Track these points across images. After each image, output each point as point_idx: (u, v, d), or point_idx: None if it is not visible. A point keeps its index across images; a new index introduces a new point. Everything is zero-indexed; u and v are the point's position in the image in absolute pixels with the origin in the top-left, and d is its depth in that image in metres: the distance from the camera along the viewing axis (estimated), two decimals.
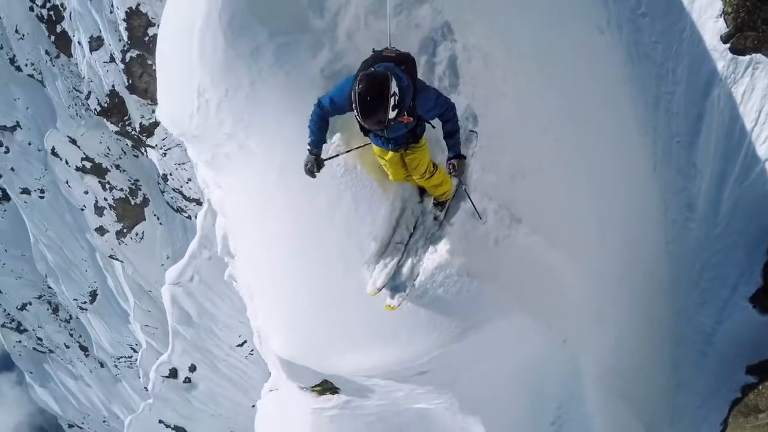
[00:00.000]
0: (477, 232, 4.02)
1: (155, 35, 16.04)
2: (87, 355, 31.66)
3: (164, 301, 15.13)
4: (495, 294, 4.07)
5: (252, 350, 15.34)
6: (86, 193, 23.35)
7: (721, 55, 5.49)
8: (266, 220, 4.15)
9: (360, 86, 2.77)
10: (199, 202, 20.50)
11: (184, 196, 21.77)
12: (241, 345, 15.57)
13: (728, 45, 5.37)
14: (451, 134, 3.27)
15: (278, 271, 4.26)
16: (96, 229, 23.69)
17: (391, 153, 3.49)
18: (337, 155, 3.59)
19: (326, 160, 3.34)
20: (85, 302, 28.02)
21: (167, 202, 23.59)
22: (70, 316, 31.12)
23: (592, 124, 5.64)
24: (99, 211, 23.41)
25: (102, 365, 30.72)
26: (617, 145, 6.09)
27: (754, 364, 6.27)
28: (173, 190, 22.07)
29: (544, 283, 4.47)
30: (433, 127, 3.38)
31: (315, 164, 3.26)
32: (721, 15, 5.28)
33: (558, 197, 4.59)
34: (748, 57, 5.38)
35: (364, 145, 3.63)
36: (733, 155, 5.91)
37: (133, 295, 23.82)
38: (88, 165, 22.80)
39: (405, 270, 3.84)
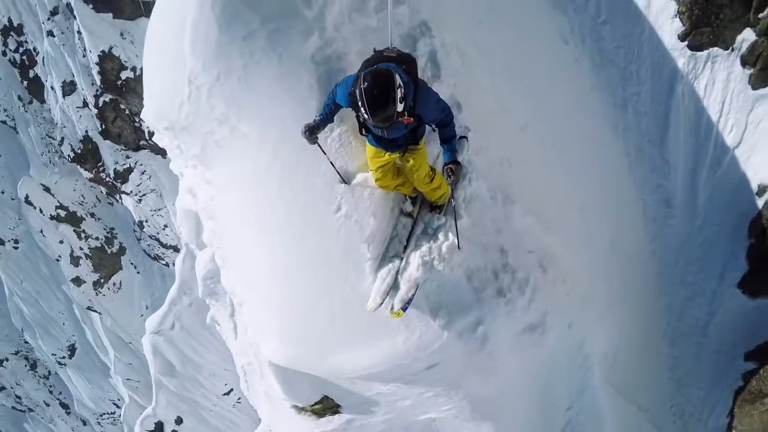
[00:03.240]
0: (482, 218, 4.01)
1: (128, 79, 16.09)
2: (68, 413, 29.97)
3: (146, 352, 14.59)
4: None
5: (239, 398, 14.86)
6: (61, 242, 22.60)
7: (680, 53, 5.77)
8: (259, 208, 4.06)
9: (365, 83, 2.75)
10: (176, 249, 20.06)
11: (161, 243, 21.26)
12: (227, 393, 15.06)
13: (686, 42, 5.67)
14: (449, 139, 3.30)
15: (271, 266, 4.11)
16: (72, 280, 22.85)
17: (387, 155, 3.47)
18: (325, 154, 3.67)
19: (318, 143, 3.45)
20: (63, 357, 26.76)
21: (144, 250, 23.04)
22: (49, 372, 29.65)
23: (568, 128, 5.78)
24: (75, 261, 22.65)
25: (84, 423, 29.07)
26: (593, 148, 6.24)
27: (752, 350, 6.24)
28: (150, 237, 21.57)
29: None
30: (434, 129, 3.39)
31: (312, 133, 3.35)
32: (676, 15, 5.59)
33: (543, 188, 4.63)
34: (705, 52, 5.67)
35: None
36: (702, 147, 6.11)
37: (113, 348, 22.84)
38: (62, 213, 22.16)
39: (405, 277, 3.77)
